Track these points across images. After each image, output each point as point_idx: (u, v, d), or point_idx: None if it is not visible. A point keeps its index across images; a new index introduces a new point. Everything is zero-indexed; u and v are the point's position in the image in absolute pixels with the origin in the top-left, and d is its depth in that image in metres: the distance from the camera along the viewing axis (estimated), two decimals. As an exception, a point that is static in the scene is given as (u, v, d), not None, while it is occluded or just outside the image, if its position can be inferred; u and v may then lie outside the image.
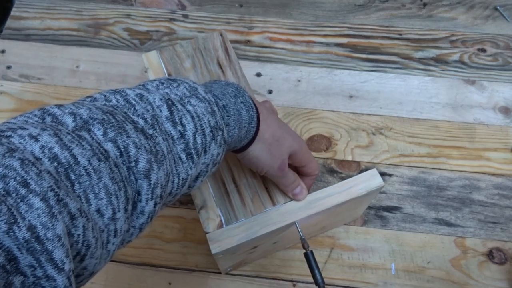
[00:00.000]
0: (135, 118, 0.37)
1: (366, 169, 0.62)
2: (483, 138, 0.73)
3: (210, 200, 0.53)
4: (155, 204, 0.36)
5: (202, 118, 0.40)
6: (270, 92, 0.76)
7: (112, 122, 0.35)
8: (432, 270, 0.63)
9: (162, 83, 0.42)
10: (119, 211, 0.33)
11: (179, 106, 0.40)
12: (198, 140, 0.40)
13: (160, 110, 0.39)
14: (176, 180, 0.39)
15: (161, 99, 0.39)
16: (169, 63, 0.62)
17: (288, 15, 0.85)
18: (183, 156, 0.39)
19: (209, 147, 0.41)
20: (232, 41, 0.81)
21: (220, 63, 0.62)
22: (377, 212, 0.67)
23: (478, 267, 0.63)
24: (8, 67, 0.79)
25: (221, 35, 0.64)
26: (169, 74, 0.61)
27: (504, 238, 0.65)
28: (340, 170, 0.70)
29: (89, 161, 0.31)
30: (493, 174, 0.70)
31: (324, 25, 0.84)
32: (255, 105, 0.47)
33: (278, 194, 0.54)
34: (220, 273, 0.62)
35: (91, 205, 0.31)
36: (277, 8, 0.86)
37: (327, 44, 0.82)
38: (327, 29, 0.83)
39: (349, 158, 0.71)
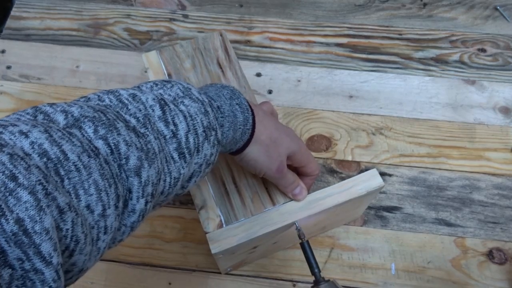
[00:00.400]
0: (127, 117, 0.37)
1: (366, 169, 0.62)
2: (483, 138, 0.73)
3: (210, 200, 0.53)
4: (146, 202, 0.37)
5: (195, 118, 0.41)
6: (270, 92, 0.76)
7: (103, 120, 0.35)
8: (432, 270, 0.63)
9: (156, 85, 0.43)
10: (109, 207, 0.33)
11: (172, 106, 0.40)
12: (191, 140, 0.40)
13: (153, 110, 0.39)
14: (168, 179, 0.39)
15: (154, 99, 0.39)
16: (169, 63, 0.62)
17: (288, 15, 0.85)
18: (175, 155, 0.39)
19: (202, 147, 0.41)
20: (232, 41, 0.81)
21: (220, 63, 0.62)
22: (377, 212, 0.67)
23: (478, 267, 0.63)
24: (8, 67, 0.79)
25: (221, 35, 0.64)
26: (169, 74, 0.61)
27: (504, 238, 0.65)
28: (340, 170, 0.70)
29: (79, 157, 0.32)
30: (493, 174, 0.70)
31: (324, 25, 0.84)
32: (250, 107, 0.47)
33: (278, 194, 0.54)
34: (220, 273, 0.62)
35: (81, 201, 0.31)
36: (277, 8, 0.86)
37: (327, 44, 0.82)
38: (327, 29, 0.83)
39: (349, 158, 0.71)
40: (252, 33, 0.82)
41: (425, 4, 0.86)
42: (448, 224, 0.66)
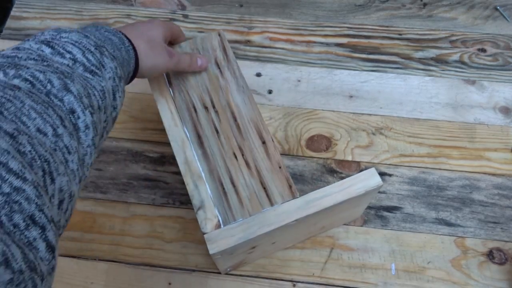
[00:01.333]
0: (22, 62, 0.38)
1: (366, 169, 0.62)
2: (483, 138, 0.73)
3: (208, 201, 0.53)
4: (92, 114, 0.39)
5: (81, 41, 0.43)
6: (270, 92, 0.76)
7: (8, 64, 0.37)
8: (432, 270, 0.63)
9: (28, 40, 0.43)
10: (58, 127, 0.35)
11: (56, 41, 0.42)
12: (91, 58, 0.42)
13: (42, 50, 0.40)
14: (96, 93, 0.41)
15: (36, 42, 0.41)
16: (168, 63, 0.62)
17: (288, 15, 0.85)
18: (87, 74, 0.41)
19: (104, 61, 0.43)
20: (232, 41, 0.81)
21: (218, 63, 0.62)
22: (377, 212, 0.67)
23: (478, 267, 0.63)
24: (9, 68, 0.79)
25: (219, 35, 0.64)
26: (167, 75, 0.61)
27: (504, 238, 0.65)
28: (340, 170, 0.70)
29: (4, 92, 0.33)
30: (493, 174, 0.70)
31: (324, 25, 0.84)
32: (115, 29, 0.50)
33: (276, 194, 0.54)
34: (220, 273, 0.62)
35: (29, 126, 0.33)
36: (277, 8, 0.86)
37: (327, 44, 0.82)
38: (327, 29, 0.83)
39: (349, 158, 0.71)
40: (252, 33, 0.82)
41: (425, 4, 0.86)
42: (448, 224, 0.66)
